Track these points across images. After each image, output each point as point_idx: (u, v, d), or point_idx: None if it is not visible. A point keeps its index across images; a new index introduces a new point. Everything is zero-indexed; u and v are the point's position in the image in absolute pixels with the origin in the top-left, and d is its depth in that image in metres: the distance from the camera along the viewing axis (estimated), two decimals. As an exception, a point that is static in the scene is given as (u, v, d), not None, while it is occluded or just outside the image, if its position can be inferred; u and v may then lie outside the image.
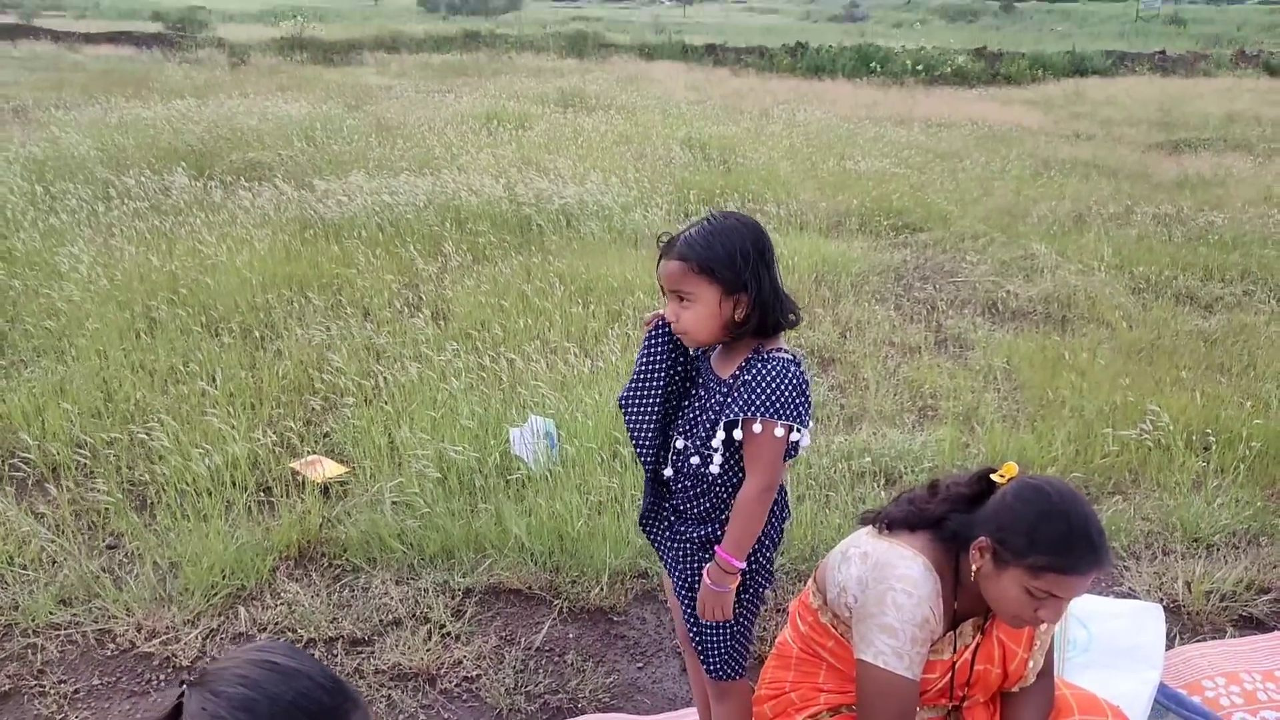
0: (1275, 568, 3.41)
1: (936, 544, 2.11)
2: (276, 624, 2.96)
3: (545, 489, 3.50)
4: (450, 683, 2.78)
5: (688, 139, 11.27)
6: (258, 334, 5.03)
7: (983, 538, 2.00)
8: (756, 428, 2.02)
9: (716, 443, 2.08)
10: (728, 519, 2.13)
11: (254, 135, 10.27)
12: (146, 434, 3.69)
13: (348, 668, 2.80)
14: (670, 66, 22.91)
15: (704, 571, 2.12)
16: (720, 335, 2.07)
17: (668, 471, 2.20)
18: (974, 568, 2.03)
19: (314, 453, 3.93)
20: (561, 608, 3.12)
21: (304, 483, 3.66)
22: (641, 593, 3.22)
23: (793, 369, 2.06)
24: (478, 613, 3.07)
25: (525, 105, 13.89)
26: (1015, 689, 2.24)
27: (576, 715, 2.69)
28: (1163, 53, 29.78)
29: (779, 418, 2.01)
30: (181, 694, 1.33)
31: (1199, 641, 3.07)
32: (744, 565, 2.10)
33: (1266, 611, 3.21)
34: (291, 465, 3.81)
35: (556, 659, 2.92)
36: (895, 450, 4.10)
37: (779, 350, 2.10)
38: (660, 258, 2.11)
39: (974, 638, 2.16)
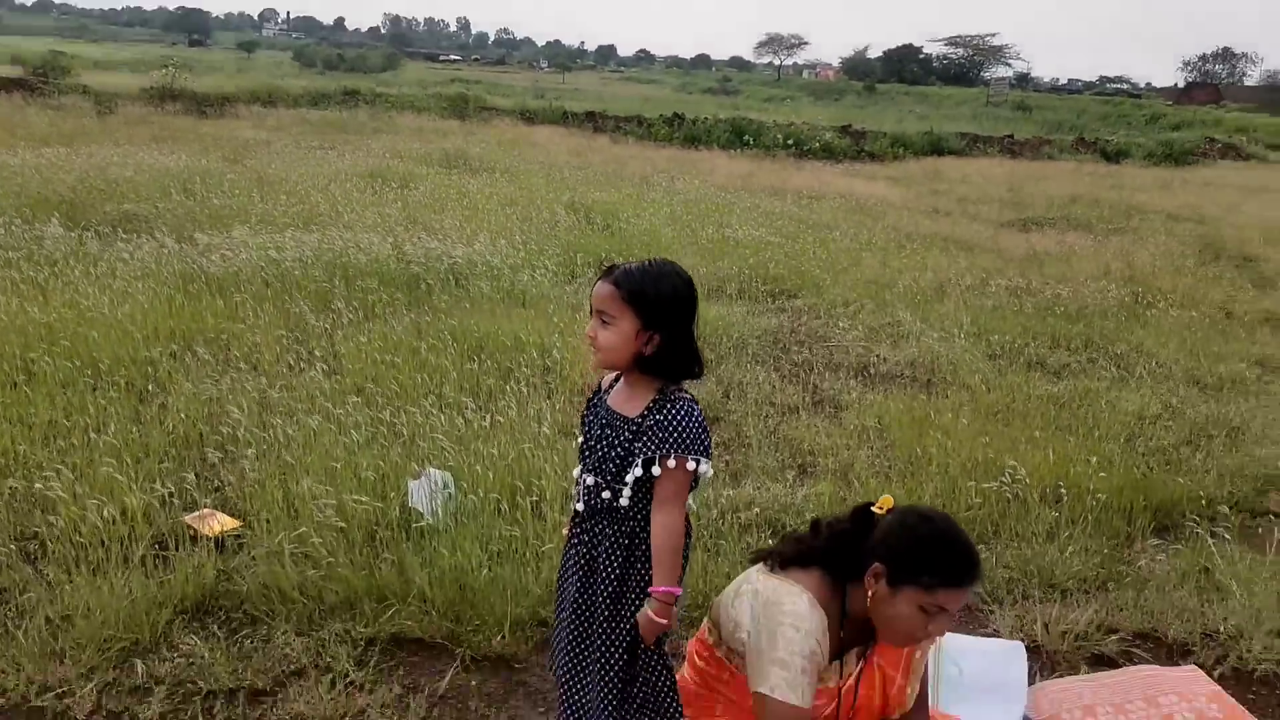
0: (1121, 610, 3.74)
1: (824, 578, 2.31)
2: (175, 676, 2.93)
3: (446, 539, 3.57)
4: (355, 731, 2.82)
5: (571, 203, 11.54)
6: (142, 388, 4.95)
7: (876, 564, 2.21)
8: (671, 463, 2.21)
9: (630, 478, 2.25)
10: (637, 554, 2.29)
11: (129, 186, 10.06)
12: (43, 483, 3.61)
13: (250, 719, 2.80)
14: (551, 131, 23.38)
15: (641, 614, 2.29)
16: (627, 363, 2.27)
17: (579, 506, 2.37)
18: (869, 593, 2.23)
19: (206, 507, 3.90)
20: (464, 656, 3.19)
21: (197, 536, 3.63)
22: (541, 640, 3.31)
23: (696, 408, 2.27)
24: (381, 661, 3.11)
25: (409, 165, 13.98)
26: (895, 716, 2.44)
27: (481, 760, 2.76)
28: (1011, 136, 31.93)
29: (689, 453, 2.21)
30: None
31: (1057, 678, 3.34)
32: (680, 589, 2.28)
33: (1115, 650, 3.52)
34: (183, 519, 3.77)
35: (460, 706, 2.99)
36: (779, 503, 4.32)
37: (682, 393, 2.30)
38: (598, 279, 2.29)
39: (857, 665, 2.36)
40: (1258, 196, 15.98)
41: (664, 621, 2.28)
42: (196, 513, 3.83)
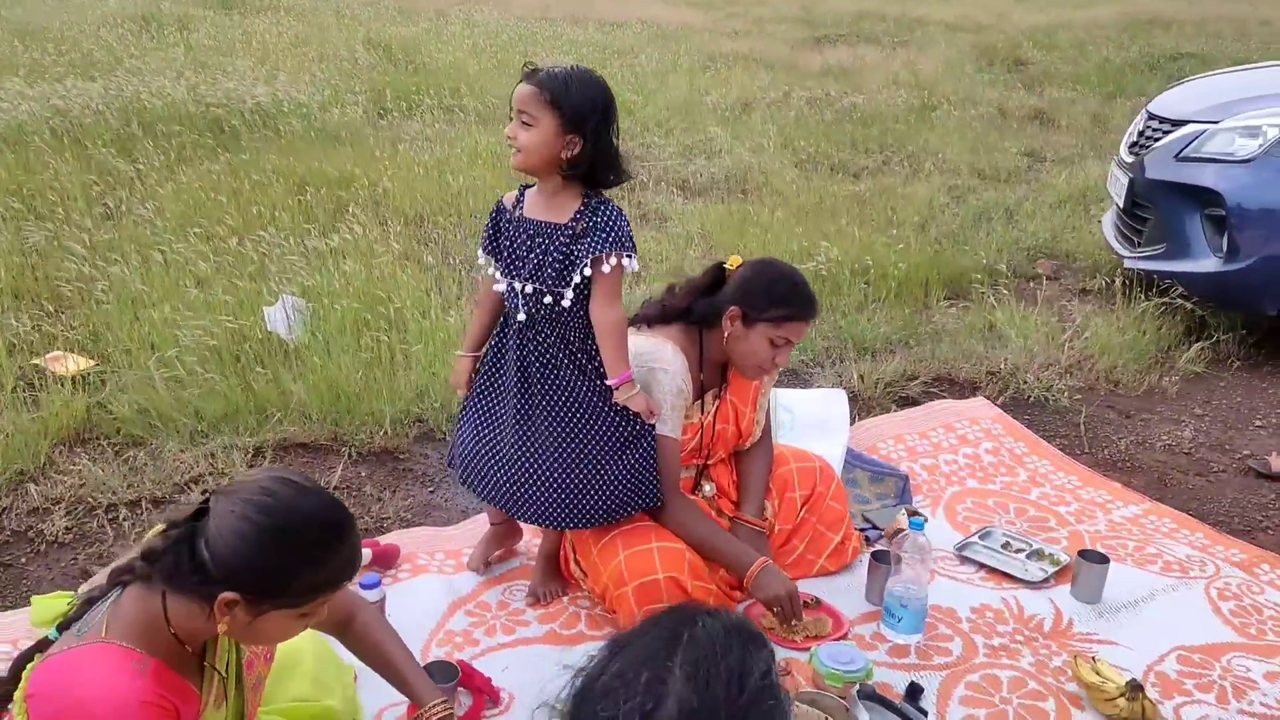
0: (921, 361, 4.32)
1: (684, 330, 2.67)
2: (71, 495, 3.04)
3: (318, 349, 3.72)
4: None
5: (369, 40, 11.11)
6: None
7: (733, 307, 2.56)
8: (611, 262, 2.32)
9: (575, 280, 2.34)
10: (582, 350, 2.43)
11: None
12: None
13: (158, 522, 2.96)
14: (332, -33, 21.90)
15: (611, 402, 2.42)
16: (546, 166, 2.32)
17: (521, 316, 2.42)
18: (725, 334, 2.59)
19: (56, 350, 3.88)
20: (350, 453, 3.41)
21: (56, 379, 3.64)
22: (421, 434, 3.56)
23: (623, 213, 2.39)
24: (274, 462, 3.29)
25: (182, 6, 12.96)
26: (746, 445, 2.85)
27: (385, 533, 3.02)
28: (799, -42, 32.08)
29: (624, 251, 2.34)
30: (206, 499, 1.56)
31: (873, 417, 3.88)
32: (630, 371, 2.42)
33: (918, 392, 4.09)
34: (34, 362, 3.75)
35: (355, 492, 3.23)
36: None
37: (606, 198, 2.40)
38: (521, 81, 2.32)
39: (714, 404, 2.74)
40: (1024, 4, 17.01)
41: (635, 394, 2.41)
42: (48, 355, 3.81)
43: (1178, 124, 4.75)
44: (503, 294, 2.47)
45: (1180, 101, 5.10)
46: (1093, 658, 2.45)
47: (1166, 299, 4.62)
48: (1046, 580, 2.83)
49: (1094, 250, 5.81)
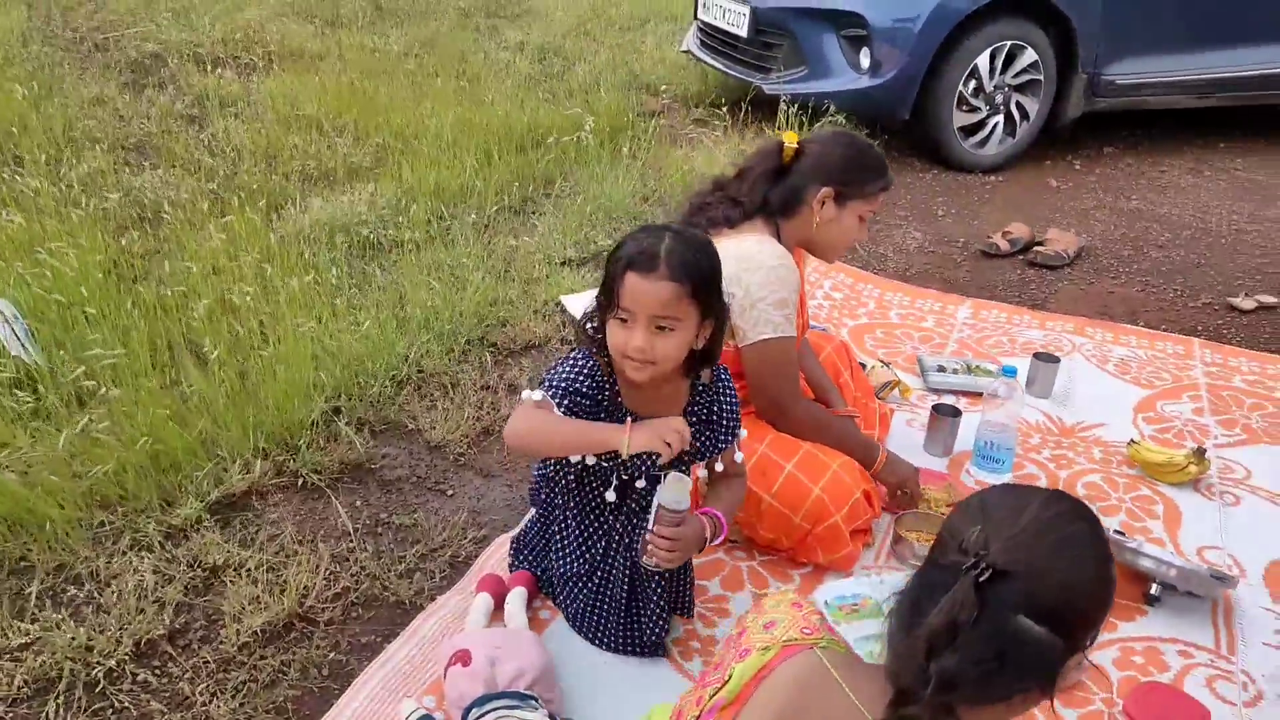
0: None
1: (765, 222, 2.35)
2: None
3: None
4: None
5: None
6: None
7: (824, 189, 2.29)
8: (738, 454, 2.05)
9: (703, 474, 2.01)
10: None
11: None
12: None
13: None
14: None
15: (706, 523, 1.94)
16: (675, 369, 1.87)
17: (611, 496, 1.97)
18: (815, 219, 2.32)
19: None
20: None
21: None
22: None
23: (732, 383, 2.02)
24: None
25: None
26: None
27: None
28: None
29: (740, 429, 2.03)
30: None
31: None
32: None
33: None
34: None
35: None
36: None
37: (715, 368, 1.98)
38: (631, 271, 1.74)
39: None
40: None
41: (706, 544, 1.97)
42: None
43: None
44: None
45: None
46: (1132, 441, 2.81)
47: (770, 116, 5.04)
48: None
49: (679, 75, 6.08)
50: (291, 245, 3.52)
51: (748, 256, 2.23)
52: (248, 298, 2.94)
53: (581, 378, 1.88)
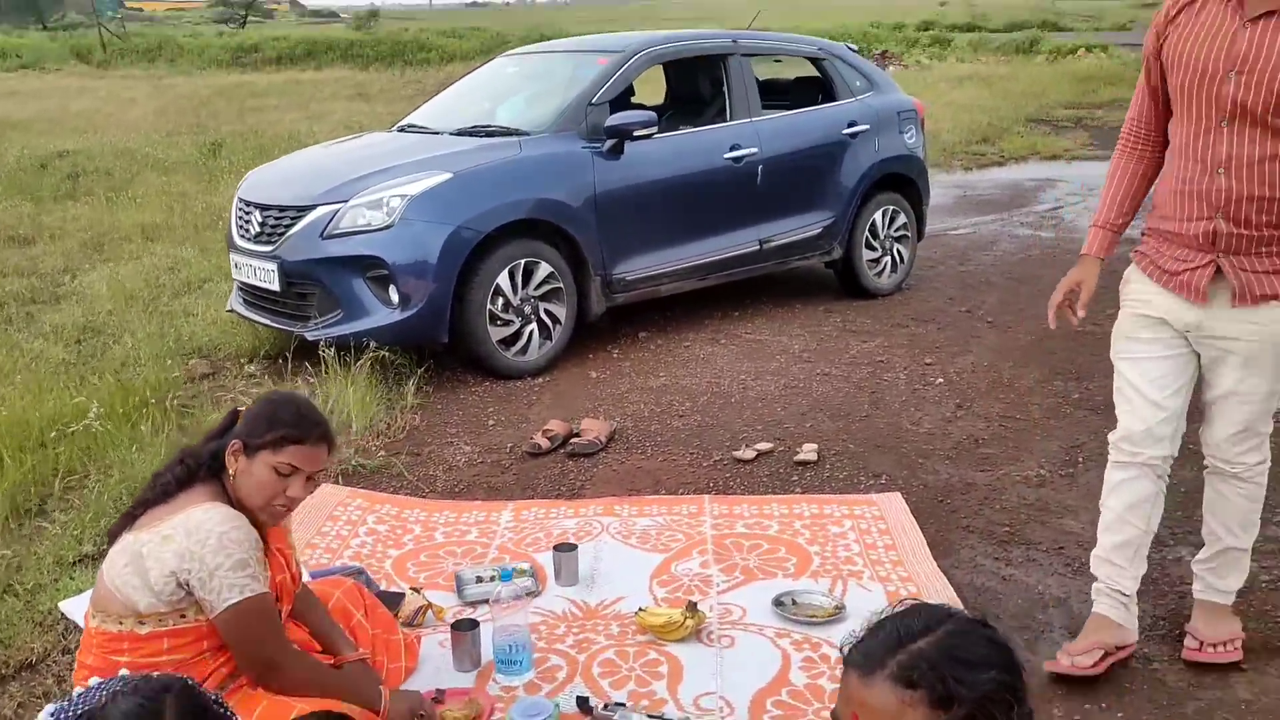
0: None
1: (209, 487, 2.41)
2: None
3: None
4: None
5: None
6: None
7: (234, 442, 2.39)
8: None
9: None
10: None
11: None
12: None
13: None
14: None
15: None
16: None
17: None
18: (231, 473, 2.40)
19: None
20: None
21: None
22: None
23: None
24: None
25: None
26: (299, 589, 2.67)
27: None
28: None
29: None
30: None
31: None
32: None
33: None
34: None
35: None
36: None
37: None
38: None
39: (265, 558, 2.52)
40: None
41: None
42: None
43: (294, 209, 5.36)
44: None
45: (270, 186, 5.76)
46: (640, 609, 3.07)
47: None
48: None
49: (231, 334, 6.07)
50: None
51: (196, 528, 2.26)
52: None
53: None
